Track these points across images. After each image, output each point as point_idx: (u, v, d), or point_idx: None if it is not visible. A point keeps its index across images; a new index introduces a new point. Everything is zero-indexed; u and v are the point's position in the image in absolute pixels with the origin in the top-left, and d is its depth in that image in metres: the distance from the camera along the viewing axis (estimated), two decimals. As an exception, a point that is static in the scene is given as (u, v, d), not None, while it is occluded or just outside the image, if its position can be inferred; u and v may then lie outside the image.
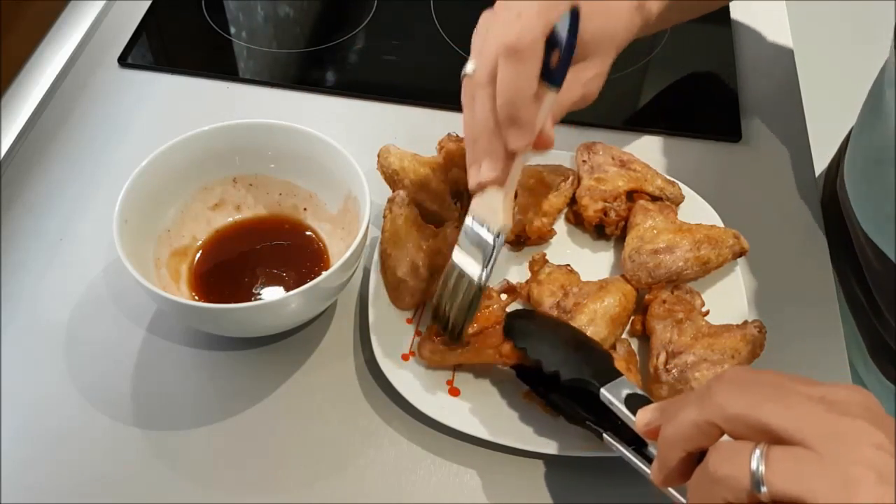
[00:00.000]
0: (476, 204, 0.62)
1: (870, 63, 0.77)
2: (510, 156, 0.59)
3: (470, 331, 0.65)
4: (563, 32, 0.56)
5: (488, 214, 0.61)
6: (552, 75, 0.57)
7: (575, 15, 0.56)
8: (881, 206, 0.74)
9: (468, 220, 0.62)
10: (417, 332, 0.69)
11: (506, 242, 0.75)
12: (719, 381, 0.45)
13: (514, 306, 0.72)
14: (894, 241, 0.73)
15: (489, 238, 0.61)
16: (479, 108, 0.59)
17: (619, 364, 0.65)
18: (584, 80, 0.63)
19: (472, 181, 0.61)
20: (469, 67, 0.60)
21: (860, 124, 0.81)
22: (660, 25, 0.73)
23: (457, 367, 0.68)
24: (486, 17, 0.61)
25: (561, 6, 0.57)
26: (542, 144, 0.61)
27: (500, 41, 0.56)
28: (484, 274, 0.61)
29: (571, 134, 0.86)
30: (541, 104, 0.58)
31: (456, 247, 0.63)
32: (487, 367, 0.67)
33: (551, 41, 0.57)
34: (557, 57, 0.57)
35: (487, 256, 0.61)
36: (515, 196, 0.74)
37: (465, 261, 0.62)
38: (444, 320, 0.64)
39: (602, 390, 0.57)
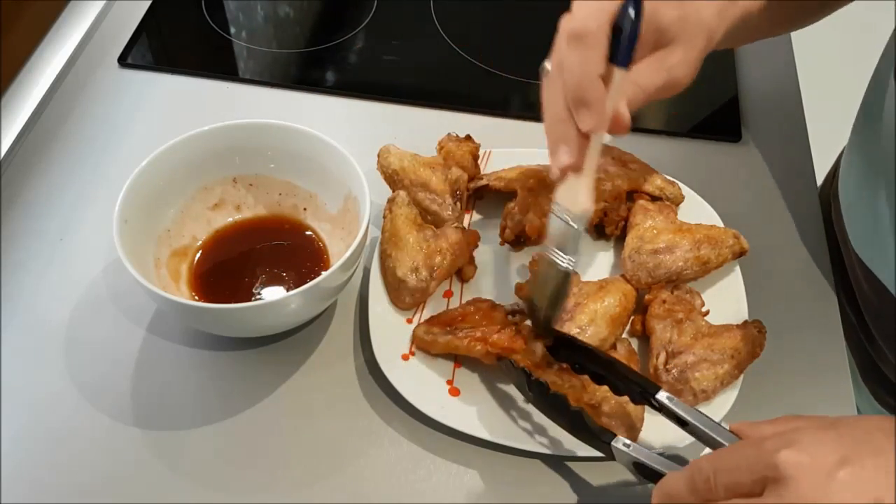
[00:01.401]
0: (558, 192, 0.62)
1: (870, 64, 0.77)
2: (584, 139, 0.59)
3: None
4: (628, 13, 0.57)
5: (569, 201, 0.61)
6: (618, 56, 0.58)
7: None
8: (874, 227, 0.74)
9: (554, 208, 0.62)
10: (417, 332, 0.69)
11: (506, 242, 0.75)
12: None
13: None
14: (894, 268, 0.72)
15: (572, 224, 0.61)
16: (551, 96, 0.59)
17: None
18: (669, 65, 0.62)
19: (552, 169, 0.61)
20: (547, 64, 0.60)
21: (854, 137, 0.80)
22: (762, 32, 0.72)
23: (456, 366, 0.68)
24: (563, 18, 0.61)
25: None
26: (617, 126, 0.60)
27: (565, 29, 0.57)
28: (568, 260, 0.62)
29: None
30: (610, 86, 0.58)
31: (545, 240, 0.64)
32: (487, 367, 0.67)
33: (619, 28, 0.57)
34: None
35: (570, 242, 0.61)
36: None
37: (551, 250, 0.62)
38: (538, 314, 0.65)
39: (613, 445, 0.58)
